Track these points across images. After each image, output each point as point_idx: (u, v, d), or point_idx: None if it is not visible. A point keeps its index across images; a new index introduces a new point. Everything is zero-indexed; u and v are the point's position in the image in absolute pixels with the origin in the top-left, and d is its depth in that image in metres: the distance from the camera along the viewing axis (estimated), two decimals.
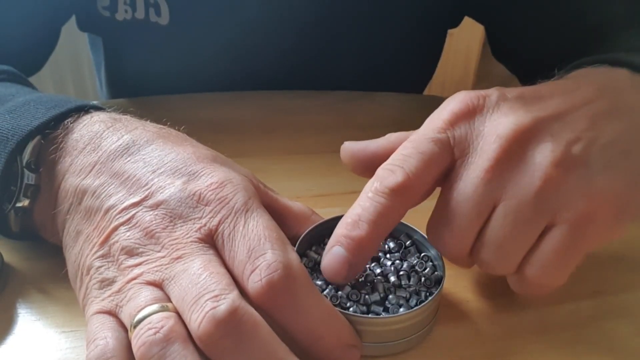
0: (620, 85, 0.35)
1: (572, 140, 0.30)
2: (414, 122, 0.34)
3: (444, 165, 0.31)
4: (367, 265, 0.32)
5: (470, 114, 0.31)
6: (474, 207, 0.29)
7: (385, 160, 0.31)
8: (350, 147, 0.35)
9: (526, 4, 0.54)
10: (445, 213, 0.30)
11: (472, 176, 0.30)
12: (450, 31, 0.67)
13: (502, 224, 0.29)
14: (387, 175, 0.30)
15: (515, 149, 0.29)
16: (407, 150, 0.31)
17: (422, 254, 0.33)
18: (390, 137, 0.34)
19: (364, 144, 0.35)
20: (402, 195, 0.30)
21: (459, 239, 0.30)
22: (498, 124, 0.30)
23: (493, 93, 0.32)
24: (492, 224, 0.29)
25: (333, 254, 0.29)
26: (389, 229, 0.30)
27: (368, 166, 0.34)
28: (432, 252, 0.33)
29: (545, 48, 0.54)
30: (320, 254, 0.33)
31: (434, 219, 0.31)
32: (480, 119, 0.31)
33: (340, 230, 0.30)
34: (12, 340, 0.31)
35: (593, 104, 0.32)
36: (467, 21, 0.64)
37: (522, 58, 0.58)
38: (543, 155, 0.29)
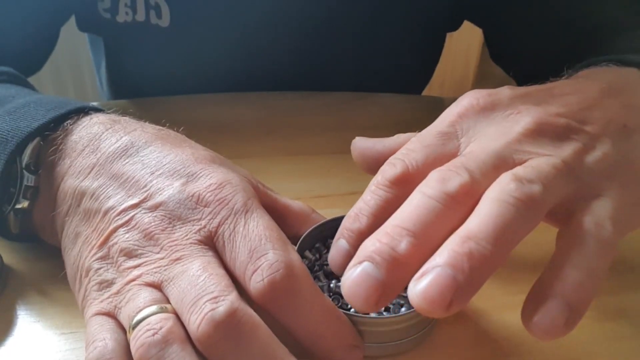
0: (632, 82, 0.34)
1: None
2: (413, 123, 0.34)
3: (451, 156, 0.30)
4: None
5: (480, 110, 0.30)
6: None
7: None
8: (360, 144, 0.35)
9: (525, 8, 0.54)
10: None
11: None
12: (450, 32, 0.67)
13: None
14: (389, 168, 0.30)
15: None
16: (411, 144, 0.30)
17: None
18: (399, 138, 0.34)
19: (373, 142, 0.34)
20: (401, 186, 0.29)
21: None
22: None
23: (503, 91, 0.31)
24: None
25: (336, 247, 0.29)
26: None
27: (373, 165, 0.33)
28: None
29: (544, 52, 0.54)
30: (320, 254, 0.33)
31: None
32: (488, 117, 0.30)
33: (343, 224, 0.30)
34: (11, 341, 0.31)
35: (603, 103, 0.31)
36: (467, 23, 0.64)
37: (520, 61, 0.58)
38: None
